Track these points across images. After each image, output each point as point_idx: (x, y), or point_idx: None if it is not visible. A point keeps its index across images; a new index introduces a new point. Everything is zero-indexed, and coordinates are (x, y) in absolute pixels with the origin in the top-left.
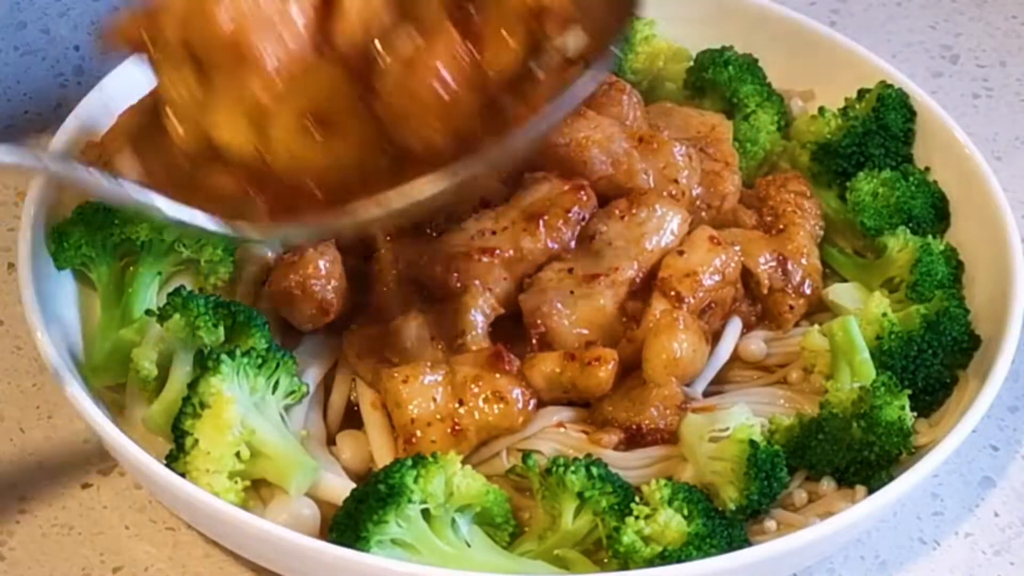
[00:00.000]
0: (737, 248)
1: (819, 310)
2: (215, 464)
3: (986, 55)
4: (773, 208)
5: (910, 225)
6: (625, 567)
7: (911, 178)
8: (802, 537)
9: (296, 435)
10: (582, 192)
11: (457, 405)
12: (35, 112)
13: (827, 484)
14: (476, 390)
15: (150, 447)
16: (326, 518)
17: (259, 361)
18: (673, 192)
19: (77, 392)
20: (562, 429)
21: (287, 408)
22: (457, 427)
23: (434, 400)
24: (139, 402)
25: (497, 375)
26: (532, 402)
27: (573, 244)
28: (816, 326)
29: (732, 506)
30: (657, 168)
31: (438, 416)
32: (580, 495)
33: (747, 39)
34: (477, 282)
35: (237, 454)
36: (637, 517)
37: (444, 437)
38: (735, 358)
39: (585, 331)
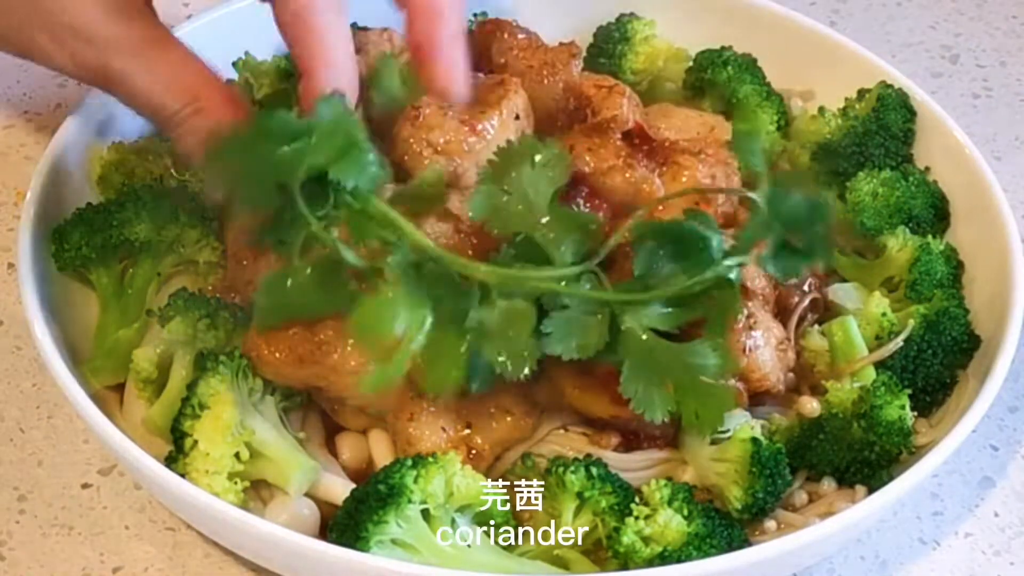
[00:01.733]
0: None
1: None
2: (214, 465)
3: (986, 55)
4: None
5: (910, 225)
6: (625, 567)
7: (911, 178)
8: (802, 537)
9: (295, 436)
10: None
11: (467, 429)
12: (35, 112)
13: (827, 484)
14: (479, 407)
15: (150, 447)
16: (326, 518)
17: None
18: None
19: (77, 392)
20: (561, 431)
21: (286, 409)
22: (473, 451)
23: (444, 430)
24: (139, 403)
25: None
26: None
27: None
28: (816, 326)
29: (738, 505)
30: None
31: (452, 445)
32: (580, 495)
33: (747, 39)
34: None
35: (236, 455)
36: (637, 517)
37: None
38: None
39: None
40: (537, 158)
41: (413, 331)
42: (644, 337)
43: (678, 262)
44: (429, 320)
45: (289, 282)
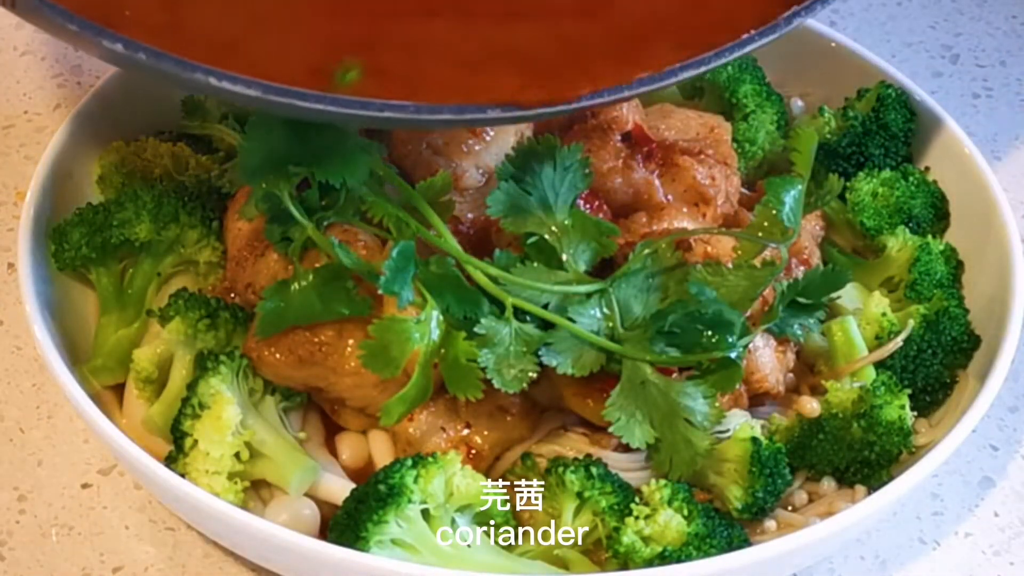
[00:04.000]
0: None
1: None
2: (214, 465)
3: (986, 55)
4: None
5: (910, 225)
6: (625, 567)
7: (911, 178)
8: (802, 537)
9: (295, 436)
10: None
11: (467, 429)
12: (34, 112)
13: (827, 484)
14: (478, 407)
15: (150, 447)
16: (326, 518)
17: None
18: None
19: (77, 392)
20: (561, 431)
21: (286, 409)
22: (473, 451)
23: (443, 430)
24: (139, 403)
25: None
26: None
27: None
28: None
29: (738, 505)
30: (678, 192)
31: (452, 445)
32: (580, 495)
33: None
34: None
35: (236, 455)
36: (637, 517)
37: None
38: None
39: None
40: (560, 160)
41: (425, 350)
42: (639, 365)
43: (697, 337)
44: (438, 333)
45: (292, 288)
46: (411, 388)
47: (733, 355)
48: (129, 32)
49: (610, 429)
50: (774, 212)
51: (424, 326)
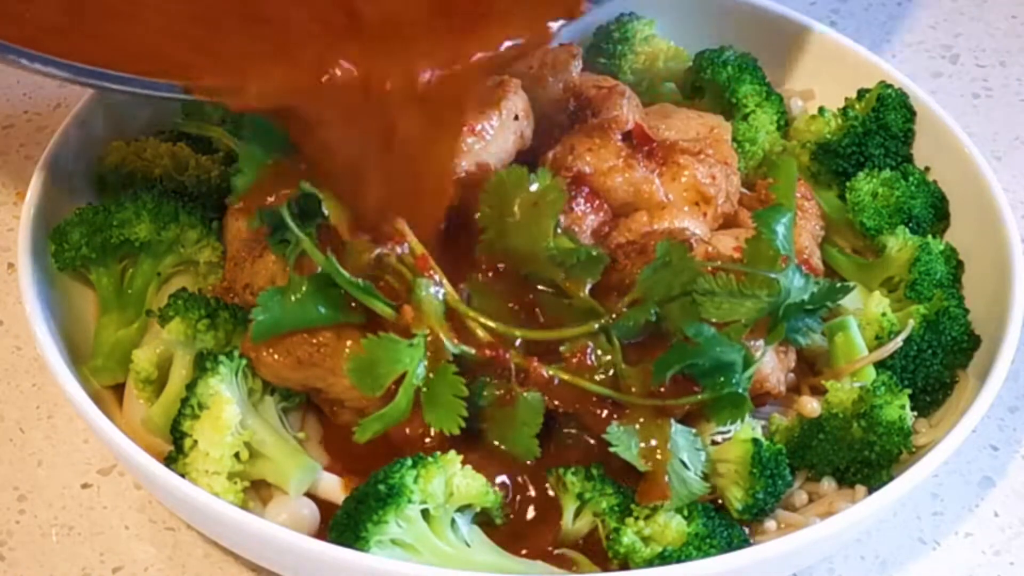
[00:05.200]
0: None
1: None
2: (214, 465)
3: (986, 55)
4: None
5: (910, 225)
6: (625, 567)
7: (911, 178)
8: (803, 537)
9: (295, 436)
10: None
11: None
12: (34, 112)
13: (827, 484)
14: None
15: (150, 447)
16: (326, 518)
17: None
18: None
19: (77, 392)
20: None
21: (285, 410)
22: None
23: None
24: (139, 403)
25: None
26: None
27: None
28: None
29: (738, 506)
30: (678, 191)
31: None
32: (580, 496)
33: (747, 39)
34: None
35: (236, 455)
36: (637, 518)
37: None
38: None
39: None
40: (532, 189)
41: (413, 372)
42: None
43: (703, 380)
44: (427, 363)
45: (288, 297)
46: (391, 409)
47: (739, 389)
48: (28, 30)
49: (611, 449)
50: (767, 243)
51: (415, 351)
